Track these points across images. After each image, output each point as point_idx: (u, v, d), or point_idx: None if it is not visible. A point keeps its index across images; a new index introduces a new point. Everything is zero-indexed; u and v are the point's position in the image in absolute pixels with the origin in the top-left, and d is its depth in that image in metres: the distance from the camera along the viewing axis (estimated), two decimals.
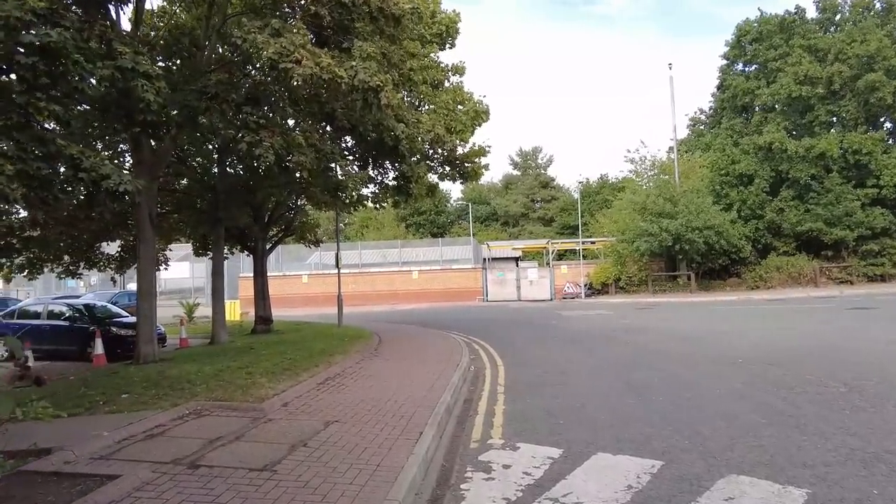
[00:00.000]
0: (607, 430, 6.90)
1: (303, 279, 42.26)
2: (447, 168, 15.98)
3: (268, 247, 19.28)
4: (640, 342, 14.84)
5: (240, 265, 44.20)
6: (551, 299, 38.50)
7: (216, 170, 15.90)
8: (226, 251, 20.44)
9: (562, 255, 49.32)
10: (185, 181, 16.17)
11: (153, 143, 11.83)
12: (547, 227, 63.13)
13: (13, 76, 7.07)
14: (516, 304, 34.69)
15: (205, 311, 28.53)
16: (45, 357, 16.65)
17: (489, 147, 16.13)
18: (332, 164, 10.96)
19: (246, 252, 19.59)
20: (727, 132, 40.98)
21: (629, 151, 42.17)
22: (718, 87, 44.62)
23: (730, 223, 33.72)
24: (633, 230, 34.26)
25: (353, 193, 12.57)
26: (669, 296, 33.54)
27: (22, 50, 6.66)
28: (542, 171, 67.84)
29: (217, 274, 15.62)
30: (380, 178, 14.09)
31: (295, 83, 8.48)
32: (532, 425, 7.25)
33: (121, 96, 8.27)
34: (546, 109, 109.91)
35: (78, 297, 27.42)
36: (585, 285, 37.77)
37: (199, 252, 20.17)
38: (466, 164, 15.88)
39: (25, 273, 15.95)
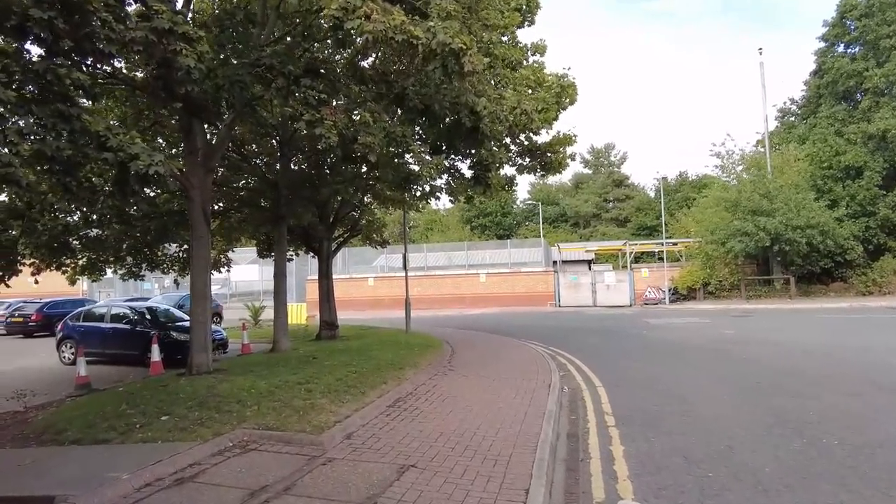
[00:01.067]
0: (784, 492, 4.96)
1: (368, 281, 41.47)
2: (526, 159, 14.22)
3: (333, 248, 18.13)
4: (758, 358, 12.51)
5: (307, 267, 44.03)
6: (630, 305, 35.78)
7: (278, 166, 14.85)
8: (290, 252, 19.51)
9: (638, 258, 46.24)
10: (245, 180, 15.18)
11: (206, 131, 10.73)
12: (621, 228, 59.88)
13: (29, 39, 5.92)
14: (593, 311, 32.31)
15: (271, 313, 28.03)
16: (108, 361, 16.16)
17: (575, 135, 14.22)
18: (402, 150, 9.44)
19: (311, 253, 18.53)
20: (827, 121, 36.94)
21: (714, 145, 38.98)
22: (815, 73, 40.44)
23: (835, 221, 30.04)
24: (725, 230, 31.14)
25: (426, 185, 11.01)
26: (766, 302, 30.22)
27: None
28: (616, 169, 64.56)
29: (279, 276, 14.51)
30: (454, 168, 12.47)
31: (363, 44, 7.07)
32: (672, 479, 5.39)
33: (159, 67, 7.05)
34: (618, 104, 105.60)
35: (146, 299, 27.53)
36: (669, 290, 34.83)
37: (263, 254, 19.33)
38: (549, 154, 14.04)
39: (87, 275, 15.42)
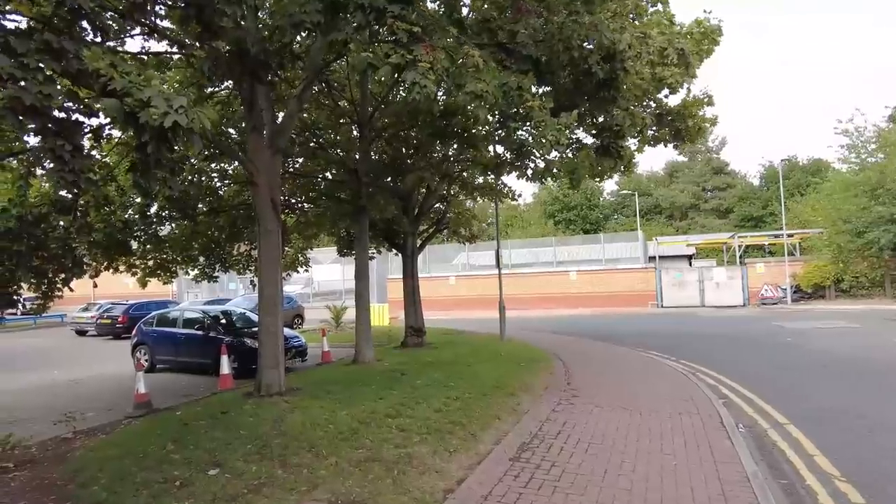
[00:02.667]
0: None
1: (450, 281, 39.55)
2: (654, 128, 11.55)
3: (418, 244, 16.13)
4: None
5: (388, 265, 42.75)
6: (744, 305, 31.69)
7: (357, 156, 13.00)
8: (372, 250, 17.74)
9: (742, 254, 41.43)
10: (322, 167, 13.41)
11: (273, 106, 8.92)
12: (722, 220, 54.64)
13: None
14: (704, 312, 28.64)
15: (353, 314, 26.62)
16: (180, 369, 15.00)
17: (710, 94, 11.38)
18: (516, 110, 7.14)
19: (394, 251, 16.63)
20: None
21: (840, 122, 33.72)
22: None
23: None
24: (864, 217, 26.58)
25: (542, 158, 8.61)
26: None
27: None
28: (714, 156, 59.04)
29: (361, 276, 12.64)
30: (572, 137, 9.99)
31: None
32: None
33: (198, 11, 5.14)
34: (714, 82, 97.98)
35: (228, 300, 26.89)
36: (792, 288, 30.47)
37: (343, 251, 17.67)
38: (683, 120, 11.30)
39: (157, 277, 14.24)
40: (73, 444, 7.66)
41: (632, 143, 12.28)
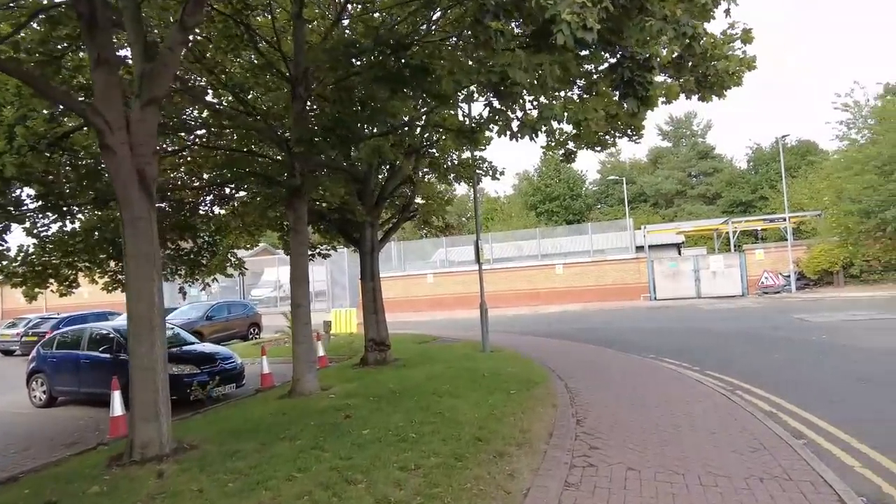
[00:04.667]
0: None
1: (428, 279, 36.64)
2: (677, 75, 8.85)
3: (380, 237, 13.23)
4: None
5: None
6: (743, 294, 29.37)
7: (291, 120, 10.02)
8: (326, 247, 14.77)
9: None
10: (240, 133, 10.34)
11: (140, 25, 5.95)
12: (710, 206, 52.50)
13: None
14: (704, 304, 26.15)
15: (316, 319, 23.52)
16: (85, 401, 12.00)
17: (750, 28, 8.69)
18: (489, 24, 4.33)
19: (352, 247, 13.68)
20: None
21: (839, 95, 31.50)
22: None
23: None
24: (875, 196, 24.28)
25: (539, 92, 5.69)
26: None
27: None
28: (700, 140, 56.81)
29: (298, 280, 9.65)
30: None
31: None
32: None
33: None
34: None
35: (170, 311, 23.53)
36: (795, 274, 28.17)
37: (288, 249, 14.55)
38: (715, 65, 8.60)
39: (47, 286, 11.14)
40: None
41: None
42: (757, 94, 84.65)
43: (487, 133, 9.19)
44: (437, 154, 13.47)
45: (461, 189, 70.59)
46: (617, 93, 5.98)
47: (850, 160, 28.81)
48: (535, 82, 5.38)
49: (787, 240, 30.63)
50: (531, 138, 6.09)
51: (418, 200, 14.01)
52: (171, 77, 6.62)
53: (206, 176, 10.51)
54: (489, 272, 36.35)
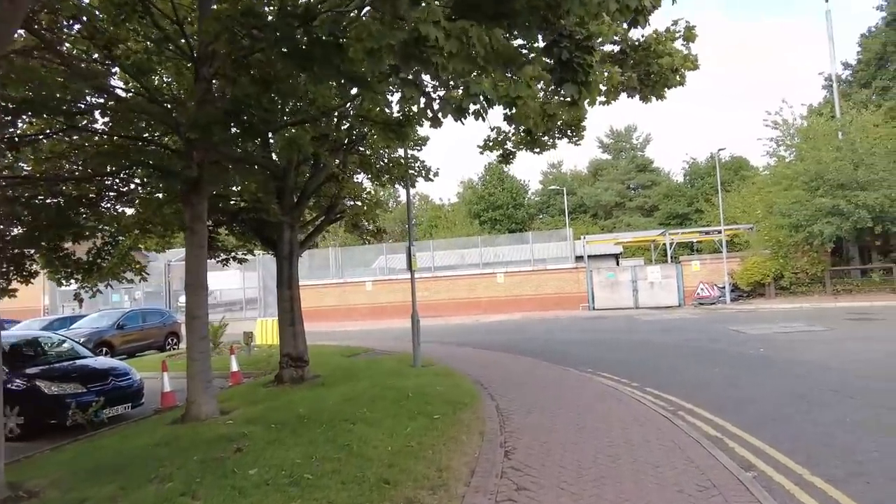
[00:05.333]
0: None
1: (366, 286, 35.33)
2: (618, 68, 8.17)
3: (301, 239, 12.01)
4: None
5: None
6: (680, 305, 29.66)
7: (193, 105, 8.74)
8: (241, 251, 13.44)
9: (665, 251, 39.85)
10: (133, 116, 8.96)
11: None
12: (647, 218, 53.62)
13: None
14: (643, 315, 26.08)
15: (236, 330, 21.85)
16: None
17: (693, 25, 8.15)
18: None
19: (271, 251, 12.37)
20: None
21: (769, 113, 32.54)
22: (890, 24, 34.17)
23: None
24: (806, 209, 24.91)
25: (459, 66, 4.81)
26: (865, 297, 23.93)
27: None
28: (639, 153, 58.09)
29: (194, 287, 8.38)
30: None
31: None
32: None
33: None
34: None
35: (78, 318, 21.33)
36: (730, 286, 28.66)
37: (219, 255, 13.07)
38: (657, 60, 7.98)
39: None
40: None
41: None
42: (692, 110, 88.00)
43: (424, 132, 8.24)
44: (367, 152, 12.46)
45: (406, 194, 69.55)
46: (554, 78, 5.13)
47: (779, 175, 29.69)
48: (460, 52, 4.48)
49: (721, 252, 31.20)
50: (458, 119, 5.18)
51: (348, 201, 12.89)
52: (11, 32, 5.32)
53: (90, 168, 9.02)
54: (430, 280, 35.48)
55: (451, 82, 5.80)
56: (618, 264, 38.64)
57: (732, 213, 38.87)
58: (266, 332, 22.19)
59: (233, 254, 13.39)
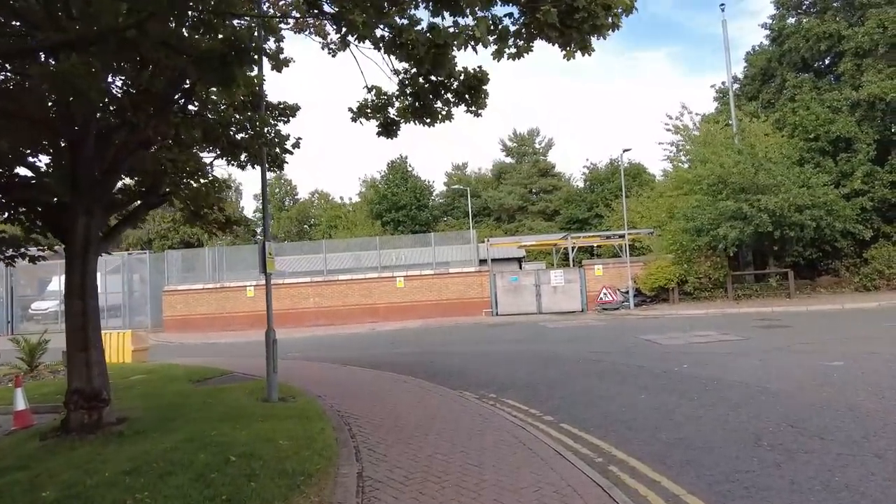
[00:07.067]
0: None
1: (247, 292, 31.45)
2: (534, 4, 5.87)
3: (104, 231, 8.74)
4: None
5: (168, 271, 32.91)
6: (583, 311, 28.65)
7: None
8: (26, 244, 9.81)
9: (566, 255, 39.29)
10: None
11: None
12: (549, 222, 53.25)
13: None
14: (548, 322, 24.47)
15: (59, 346, 17.50)
16: None
17: None
18: None
19: (62, 244, 8.92)
20: (793, 90, 31.71)
21: (670, 118, 32.51)
22: (774, 40, 35.35)
23: (842, 200, 24.44)
24: (708, 213, 24.50)
25: None
26: (759, 303, 23.82)
27: None
28: (542, 158, 57.75)
29: None
30: None
31: None
32: None
33: None
34: (542, 88, 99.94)
35: None
36: (633, 290, 27.93)
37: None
38: None
39: None
40: None
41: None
42: (592, 114, 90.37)
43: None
44: (209, 116, 9.40)
45: (303, 190, 65.17)
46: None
47: (680, 180, 29.53)
48: None
49: (622, 256, 30.56)
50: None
51: (182, 182, 9.70)
52: None
53: None
54: (322, 284, 32.12)
55: None
56: (521, 268, 37.40)
57: (632, 217, 38.90)
58: (112, 347, 18.06)
59: (21, 249, 9.74)
